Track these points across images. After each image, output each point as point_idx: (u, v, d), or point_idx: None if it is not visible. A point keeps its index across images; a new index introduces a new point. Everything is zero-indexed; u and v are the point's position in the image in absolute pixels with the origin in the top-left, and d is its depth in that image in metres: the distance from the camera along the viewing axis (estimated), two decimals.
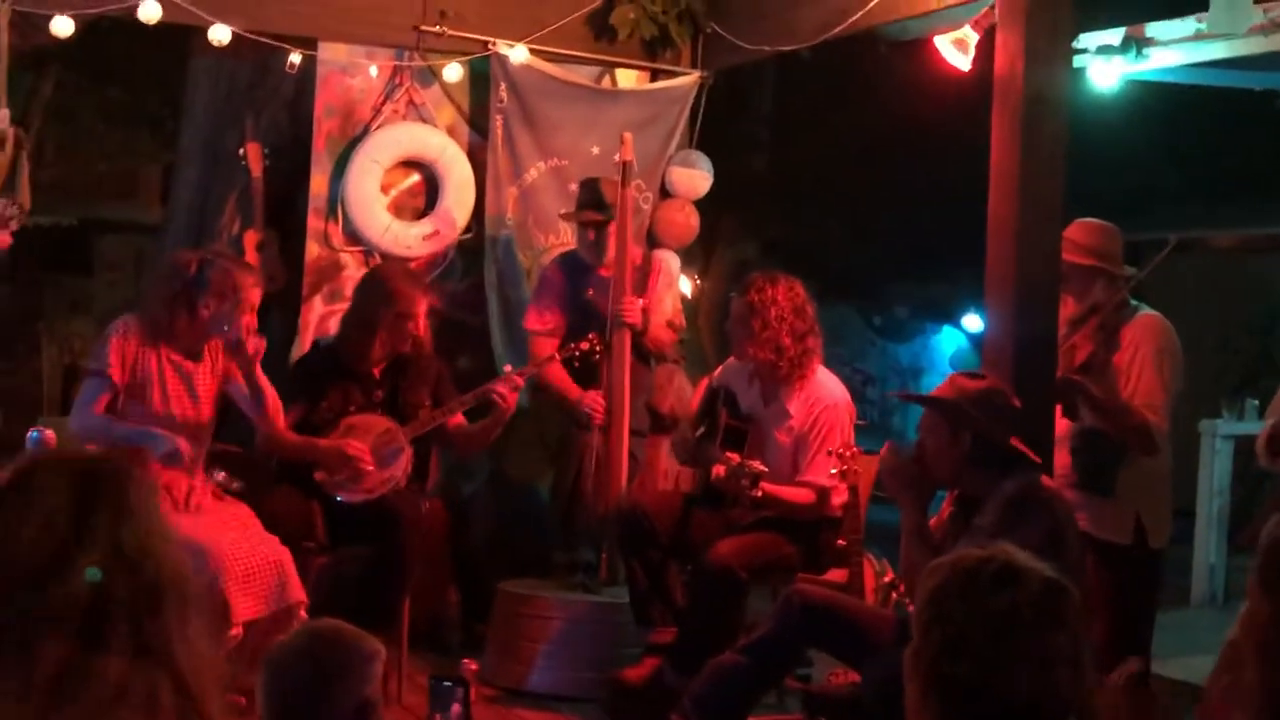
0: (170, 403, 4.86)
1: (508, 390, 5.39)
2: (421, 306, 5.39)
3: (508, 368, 5.54)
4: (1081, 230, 4.81)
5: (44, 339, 9.47)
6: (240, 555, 4.64)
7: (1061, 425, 4.72)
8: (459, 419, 5.48)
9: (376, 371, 5.42)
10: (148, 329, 4.86)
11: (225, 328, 4.82)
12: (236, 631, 4.60)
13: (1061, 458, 4.72)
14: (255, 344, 4.88)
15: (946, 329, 13.96)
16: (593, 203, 5.91)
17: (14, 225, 4.77)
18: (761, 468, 5.00)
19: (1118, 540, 4.65)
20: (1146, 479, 4.67)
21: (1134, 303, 4.80)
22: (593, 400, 5.77)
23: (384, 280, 5.46)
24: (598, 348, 5.64)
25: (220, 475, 5.04)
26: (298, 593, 4.73)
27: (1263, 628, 2.13)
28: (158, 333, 4.86)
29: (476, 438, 5.59)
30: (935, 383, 5.20)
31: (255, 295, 4.91)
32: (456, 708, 2.56)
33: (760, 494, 5.01)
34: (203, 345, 4.92)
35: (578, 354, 5.64)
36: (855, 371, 13.19)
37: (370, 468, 5.22)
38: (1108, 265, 4.76)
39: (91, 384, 4.80)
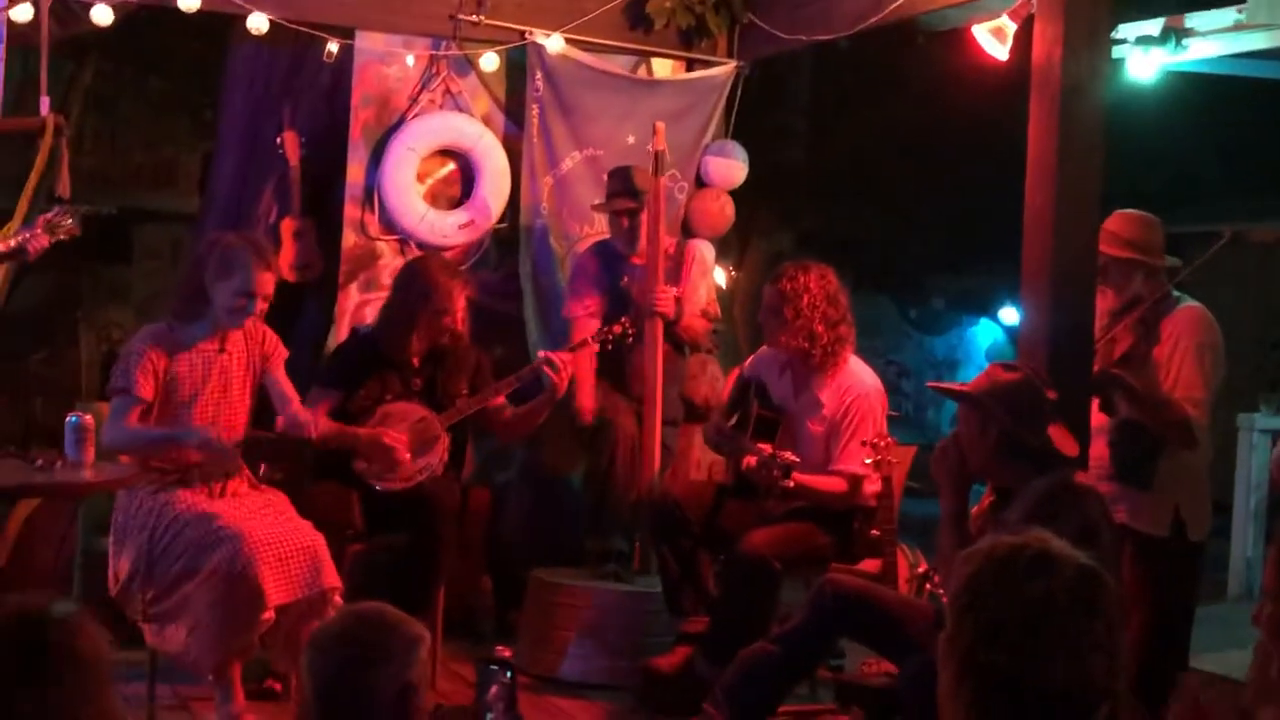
0: (200, 399, 4.85)
1: (550, 373, 5.40)
2: (459, 300, 5.39)
3: (541, 353, 5.54)
4: (1120, 221, 4.78)
5: (82, 327, 9.53)
6: (274, 540, 4.66)
7: (1100, 417, 4.69)
8: (501, 403, 5.49)
9: (415, 360, 5.43)
10: (172, 326, 4.86)
11: (230, 312, 4.81)
12: (269, 616, 4.62)
13: (1099, 449, 4.69)
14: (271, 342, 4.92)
15: (983, 322, 13.90)
16: (624, 190, 5.91)
17: (61, 234, 4.77)
18: (793, 458, 5.00)
19: (1155, 533, 4.63)
20: (1185, 472, 4.64)
21: (1176, 294, 4.76)
22: (580, 402, 5.77)
23: (421, 273, 5.44)
24: (630, 331, 5.64)
25: (262, 468, 5.06)
26: (332, 579, 4.74)
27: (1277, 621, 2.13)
28: (183, 320, 4.86)
29: (522, 421, 5.58)
30: (970, 376, 5.18)
31: (263, 279, 4.81)
32: (496, 689, 2.56)
33: (792, 484, 5.01)
34: (225, 331, 4.91)
35: (611, 338, 5.64)
36: (890, 364, 13.15)
37: (406, 456, 5.24)
38: (1146, 257, 4.73)
39: (120, 401, 4.78)
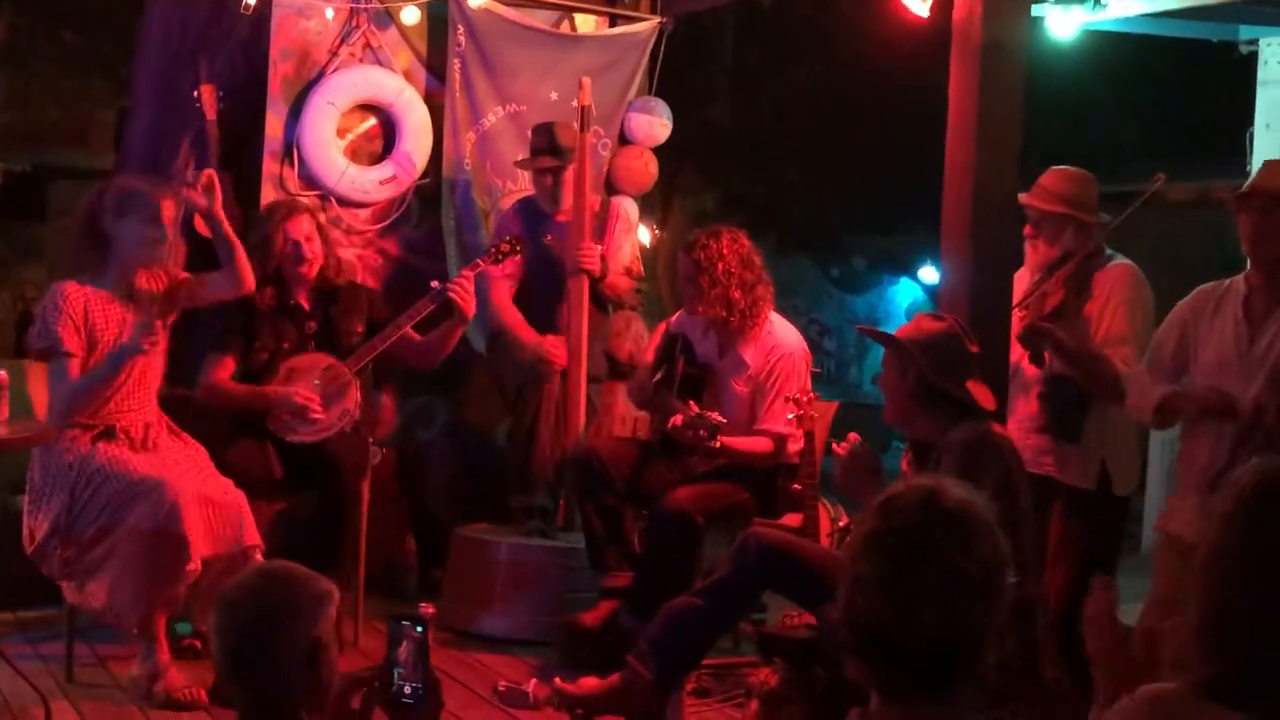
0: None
1: (454, 295, 5.36)
2: (292, 226, 5.31)
3: (434, 283, 5.47)
4: (1054, 177, 4.82)
5: None
6: (198, 493, 4.63)
7: (1030, 370, 4.75)
8: (412, 335, 5.45)
9: (305, 303, 5.39)
10: (80, 281, 4.79)
11: (142, 246, 4.76)
12: (194, 567, 4.58)
13: (1029, 403, 4.75)
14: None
15: (904, 281, 14.00)
16: (548, 148, 5.87)
17: None
18: (720, 419, 5.02)
19: (1083, 486, 4.68)
20: (1113, 426, 4.69)
21: (1108, 251, 4.81)
22: (553, 344, 5.76)
23: (262, 217, 5.54)
24: (517, 245, 5.61)
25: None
26: (253, 536, 4.72)
27: (1212, 559, 2.15)
28: (86, 275, 4.79)
29: (434, 346, 5.52)
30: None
31: (166, 207, 4.81)
32: (406, 646, 2.55)
33: (718, 445, 5.03)
34: (129, 275, 4.84)
35: (499, 256, 5.58)
36: (812, 322, 13.22)
37: (321, 414, 5.20)
38: (1078, 212, 4.77)
39: (55, 364, 4.74)
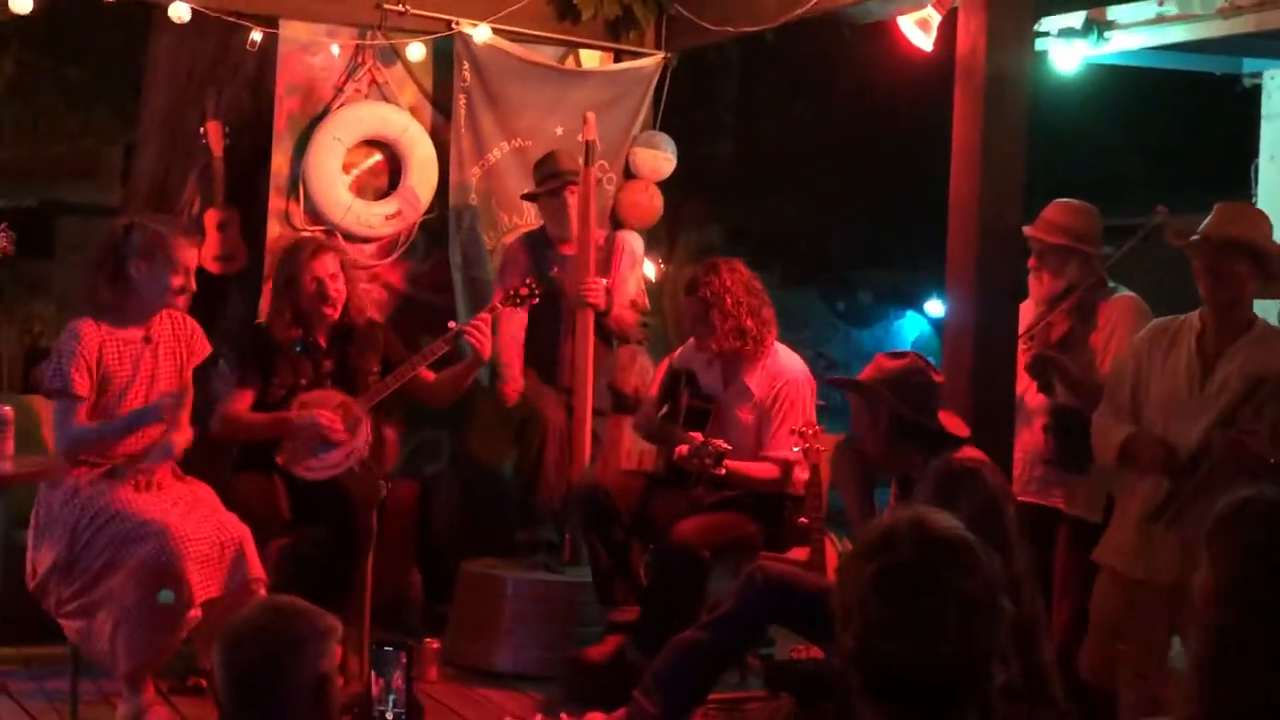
0: (130, 391, 4.79)
1: (470, 338, 5.38)
2: (318, 264, 5.32)
3: (452, 324, 5.52)
4: (1058, 210, 4.85)
5: (2, 321, 9.41)
6: (201, 535, 4.62)
7: (1036, 401, 4.75)
8: (425, 375, 5.47)
9: (323, 341, 5.40)
10: (97, 320, 4.80)
11: (167, 293, 4.78)
12: (196, 614, 4.57)
13: (1035, 434, 4.75)
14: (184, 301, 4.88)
15: (910, 314, 14.01)
16: (550, 173, 5.91)
17: None
18: (725, 446, 5.02)
19: (1090, 518, 4.67)
20: None
21: (1111, 284, 4.83)
22: (511, 379, 5.78)
23: (285, 253, 5.53)
24: (537, 290, 5.62)
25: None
26: (256, 570, 4.71)
27: (1208, 598, 2.14)
28: (102, 312, 4.80)
29: (448, 386, 5.55)
30: None
31: (188, 256, 4.83)
32: (388, 672, 2.54)
33: (724, 472, 5.03)
34: (147, 316, 4.86)
35: (518, 299, 5.61)
36: (819, 356, 13.21)
37: (343, 438, 5.21)
38: (1082, 245, 4.80)
39: (62, 405, 4.72)
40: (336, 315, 5.37)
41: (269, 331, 5.41)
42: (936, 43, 4.91)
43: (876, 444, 4.12)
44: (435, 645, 5.44)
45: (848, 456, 4.24)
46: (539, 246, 6.03)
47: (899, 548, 1.95)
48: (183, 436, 4.83)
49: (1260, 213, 4.36)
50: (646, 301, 6.33)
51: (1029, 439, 4.76)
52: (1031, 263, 4.87)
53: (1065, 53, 5.96)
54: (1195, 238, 4.15)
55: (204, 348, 5.01)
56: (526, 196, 6.17)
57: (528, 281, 5.64)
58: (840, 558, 4.83)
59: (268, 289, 6.09)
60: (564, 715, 4.53)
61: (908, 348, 13.60)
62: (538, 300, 5.66)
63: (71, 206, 9.73)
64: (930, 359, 4.26)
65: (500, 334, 5.75)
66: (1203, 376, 4.12)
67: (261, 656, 2.44)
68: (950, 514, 2.05)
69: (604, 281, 5.83)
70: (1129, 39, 5.91)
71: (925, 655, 1.90)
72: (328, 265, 5.35)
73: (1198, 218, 4.27)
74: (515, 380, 5.84)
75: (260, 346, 5.39)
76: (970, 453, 4.04)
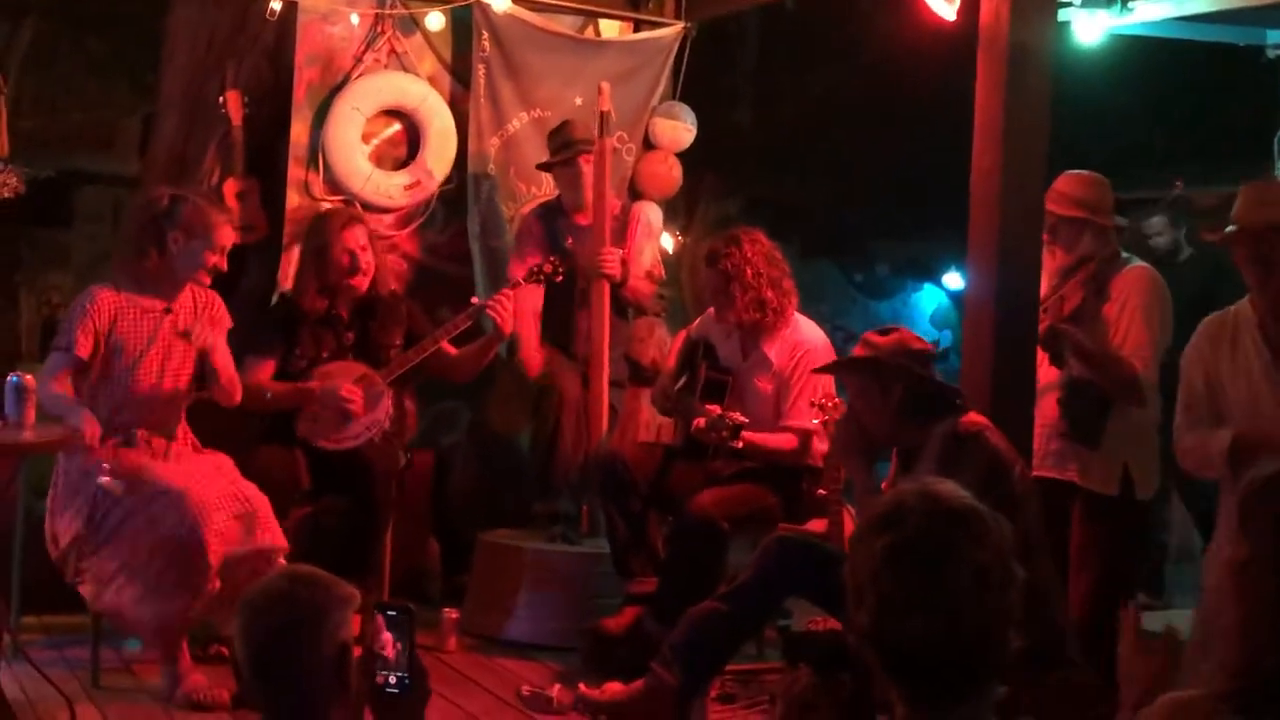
0: (144, 361, 4.81)
1: (492, 313, 5.38)
2: (348, 237, 5.33)
3: (474, 299, 5.54)
4: (1069, 182, 4.82)
5: (22, 292, 9.40)
6: (221, 504, 4.62)
7: (1049, 375, 4.73)
8: (447, 349, 5.46)
9: (345, 314, 5.39)
10: (119, 285, 4.80)
11: (201, 271, 4.79)
12: (215, 585, 4.58)
13: (1049, 407, 4.73)
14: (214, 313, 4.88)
15: (927, 286, 13.95)
16: (564, 142, 5.89)
17: (6, 192, 4.73)
18: (742, 419, 5.02)
19: (1104, 491, 4.66)
20: (1134, 430, 4.68)
21: (1124, 254, 4.81)
22: (531, 355, 5.78)
23: (316, 222, 5.52)
24: (560, 268, 5.61)
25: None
26: (277, 538, 4.71)
27: (1240, 569, 2.13)
28: (130, 279, 4.80)
29: (469, 361, 5.57)
30: None
31: (226, 235, 4.86)
32: (390, 636, 2.51)
33: (741, 445, 5.02)
34: (175, 289, 4.87)
35: (541, 276, 5.60)
36: (836, 329, 13.13)
37: (361, 412, 5.21)
38: (1095, 217, 4.77)
39: (54, 358, 4.76)
40: (365, 288, 5.37)
41: (294, 301, 5.41)
42: (960, 9, 4.87)
43: (887, 419, 4.10)
44: (454, 615, 5.45)
45: (847, 430, 4.23)
46: (554, 217, 6.01)
47: (908, 521, 1.92)
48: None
49: None
50: (663, 272, 6.31)
51: (1044, 412, 4.74)
52: (1044, 235, 4.84)
53: (1088, 23, 5.91)
54: (1231, 229, 4.05)
55: (225, 319, 5.01)
56: (541, 166, 6.16)
57: (551, 259, 5.62)
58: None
59: (286, 258, 6.10)
60: (582, 686, 4.53)
61: (926, 320, 13.63)
62: (561, 278, 5.64)
63: (90, 176, 9.69)
64: (949, 332, 4.27)
65: (517, 308, 5.74)
66: (1277, 368, 3.99)
67: (283, 625, 2.43)
68: (956, 479, 2.03)
69: (619, 252, 5.81)
70: (1153, 9, 5.86)
71: (941, 629, 1.88)
72: (359, 237, 5.36)
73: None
74: (534, 354, 5.83)
75: (283, 317, 5.39)
76: (973, 418, 4.04)
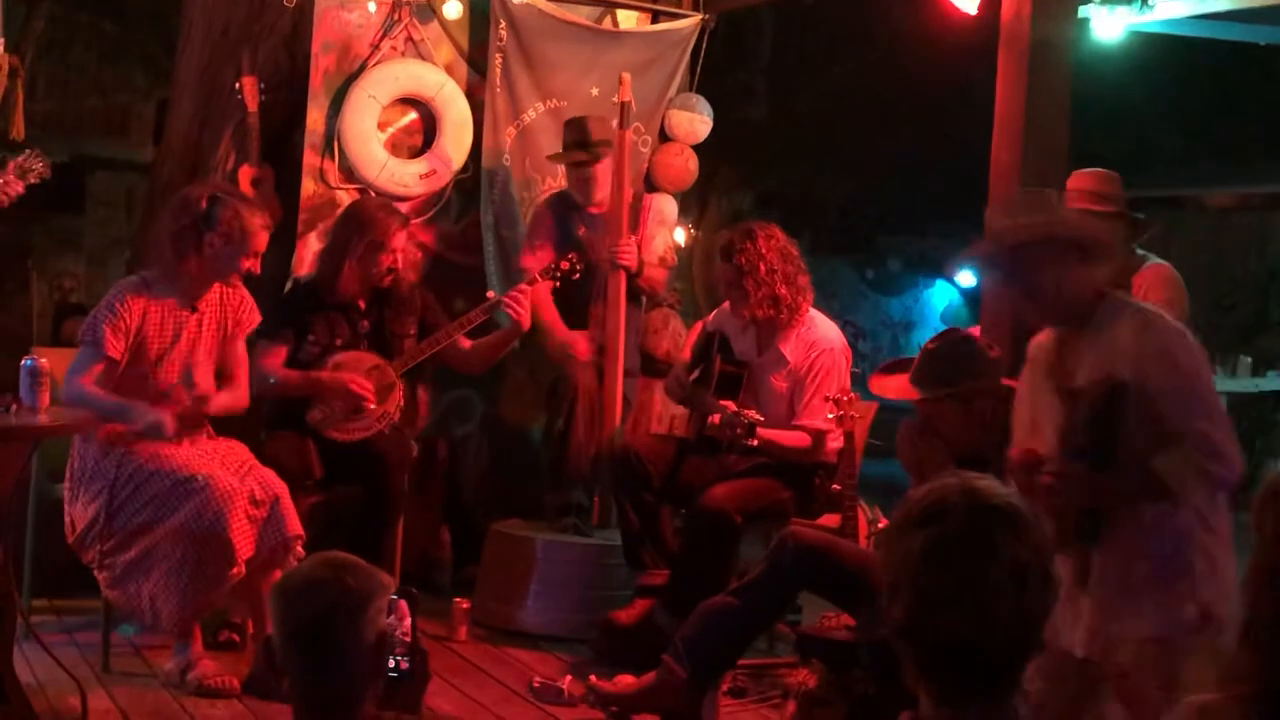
0: (168, 358, 4.78)
1: (509, 308, 5.38)
2: (396, 238, 5.35)
3: (490, 294, 5.54)
4: (1079, 178, 4.80)
5: (34, 276, 9.41)
6: (242, 490, 4.60)
7: None
8: (462, 342, 5.47)
9: (361, 303, 5.39)
10: (147, 280, 4.79)
11: (232, 275, 4.78)
12: (239, 571, 4.57)
13: None
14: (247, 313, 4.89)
15: (939, 283, 13.96)
16: (578, 142, 5.86)
17: (33, 178, 4.71)
18: (757, 417, 5.00)
19: None
20: None
21: (1141, 252, 4.79)
22: (577, 339, 5.75)
23: (360, 210, 5.49)
24: (578, 266, 5.60)
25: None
26: (295, 527, 4.69)
27: (1257, 572, 2.12)
28: (163, 279, 4.78)
29: (483, 354, 5.57)
30: (925, 336, 5.18)
31: (262, 240, 4.81)
32: (391, 620, 2.48)
33: (755, 443, 5.01)
34: (205, 289, 4.85)
35: (558, 273, 5.60)
36: (847, 324, 13.17)
37: (372, 405, 5.21)
38: (1105, 209, 4.74)
39: (85, 354, 4.70)
40: (389, 283, 5.38)
41: (318, 287, 5.39)
42: (981, 4, 4.86)
43: (979, 436, 4.03)
44: (465, 605, 5.45)
45: (926, 440, 4.16)
46: (565, 207, 5.99)
47: (950, 516, 1.91)
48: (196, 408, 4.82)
49: None
50: (674, 258, 6.28)
51: None
52: None
53: (1108, 20, 5.88)
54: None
55: (253, 317, 4.99)
56: (552, 158, 6.14)
57: (570, 256, 5.61)
58: (869, 526, 4.83)
59: (301, 245, 6.09)
60: (592, 677, 4.52)
61: (936, 317, 13.61)
62: (578, 276, 5.63)
63: (103, 162, 9.72)
64: (959, 328, 4.23)
65: (538, 306, 5.73)
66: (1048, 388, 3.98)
67: (328, 611, 2.39)
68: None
69: (635, 241, 5.79)
70: (1173, 7, 5.83)
71: (979, 625, 1.86)
72: (402, 239, 5.38)
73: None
74: (573, 337, 5.78)
75: (302, 302, 5.38)
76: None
